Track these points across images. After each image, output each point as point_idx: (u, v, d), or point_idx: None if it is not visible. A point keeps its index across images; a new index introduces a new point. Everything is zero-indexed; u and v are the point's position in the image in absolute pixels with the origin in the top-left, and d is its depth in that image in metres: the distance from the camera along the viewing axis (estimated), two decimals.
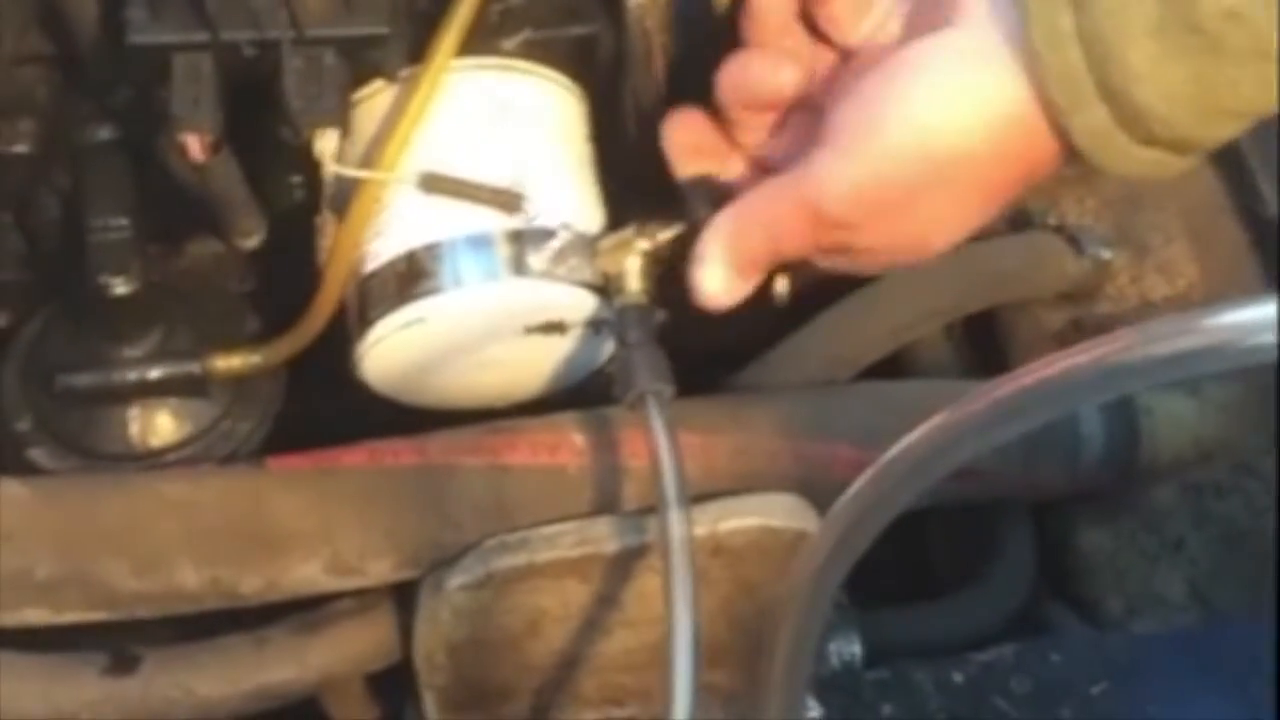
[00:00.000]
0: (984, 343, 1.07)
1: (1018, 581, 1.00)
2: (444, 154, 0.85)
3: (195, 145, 0.80)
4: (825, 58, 0.83)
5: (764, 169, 0.84)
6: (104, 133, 0.90)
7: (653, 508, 0.78)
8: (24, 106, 0.91)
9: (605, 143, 0.91)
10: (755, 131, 0.84)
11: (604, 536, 0.84)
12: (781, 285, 0.89)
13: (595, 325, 0.86)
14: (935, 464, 0.61)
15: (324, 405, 0.93)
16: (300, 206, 0.90)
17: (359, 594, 0.87)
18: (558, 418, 0.88)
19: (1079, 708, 0.85)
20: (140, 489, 0.84)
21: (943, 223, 0.78)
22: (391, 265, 0.84)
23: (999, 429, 0.60)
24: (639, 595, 0.84)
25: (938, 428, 0.61)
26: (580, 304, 0.85)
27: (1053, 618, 1.00)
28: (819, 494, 0.85)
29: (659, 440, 0.78)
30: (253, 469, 0.86)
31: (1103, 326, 1.03)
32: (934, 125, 0.74)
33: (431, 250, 0.84)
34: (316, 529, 0.83)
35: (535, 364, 0.88)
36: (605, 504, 0.85)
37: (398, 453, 0.85)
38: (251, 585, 0.83)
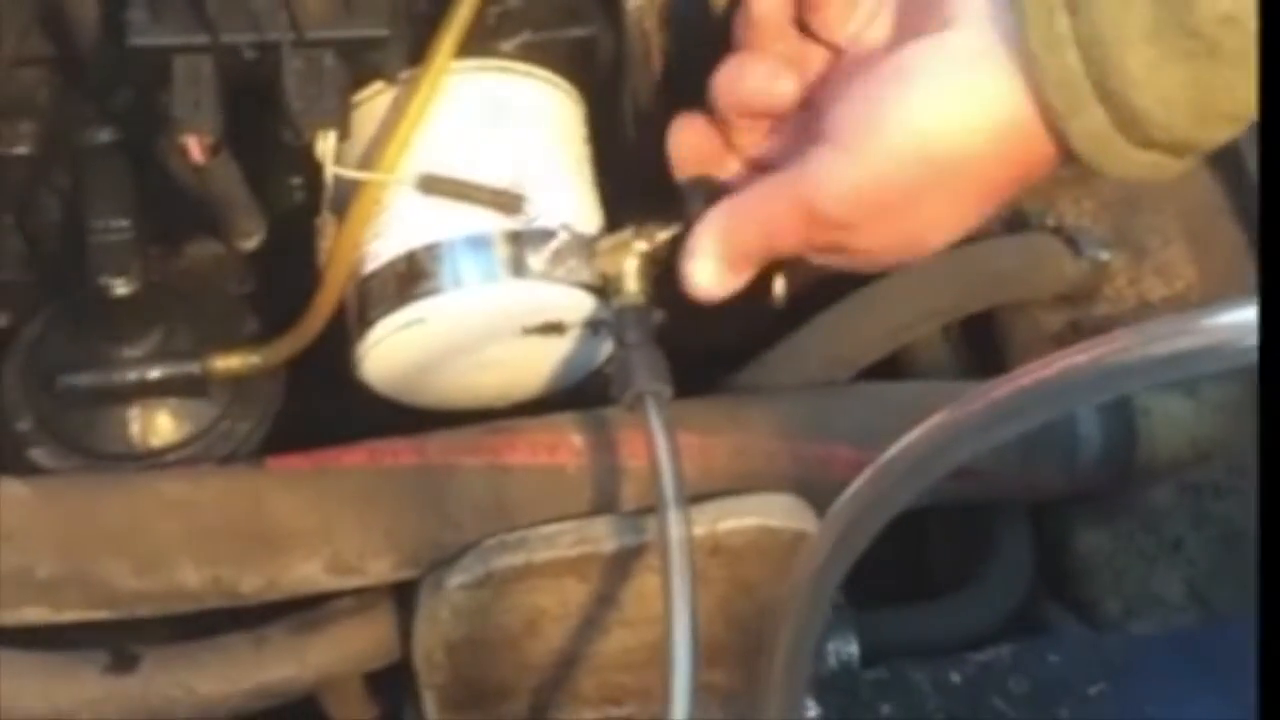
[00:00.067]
0: (982, 344, 1.07)
1: (1015, 582, 1.00)
2: (443, 155, 0.85)
3: (195, 147, 0.80)
4: (817, 56, 0.83)
5: (761, 169, 0.84)
6: (104, 134, 0.90)
7: (651, 508, 0.78)
8: (25, 108, 0.91)
9: (604, 144, 0.91)
10: (751, 133, 0.84)
11: (603, 536, 0.84)
12: (779, 286, 0.90)
13: (594, 326, 0.87)
14: (934, 464, 0.61)
15: (323, 405, 0.93)
16: (300, 208, 0.90)
17: (358, 593, 0.87)
18: (557, 418, 0.88)
19: (1077, 708, 0.85)
20: (141, 488, 0.84)
21: (940, 223, 0.78)
22: (391, 266, 0.84)
23: (997, 429, 0.60)
24: (638, 595, 0.84)
25: (936, 427, 0.61)
26: (579, 305, 0.86)
27: (1050, 618, 1.00)
28: (817, 494, 0.85)
29: (657, 440, 0.78)
30: (253, 469, 0.86)
31: (1101, 328, 1.03)
32: (933, 128, 0.74)
33: (431, 251, 0.84)
34: (316, 528, 0.83)
35: (534, 364, 0.89)
36: (604, 504, 0.86)
37: (397, 453, 0.85)
38: (252, 584, 0.83)
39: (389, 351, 0.86)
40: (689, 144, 0.85)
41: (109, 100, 0.89)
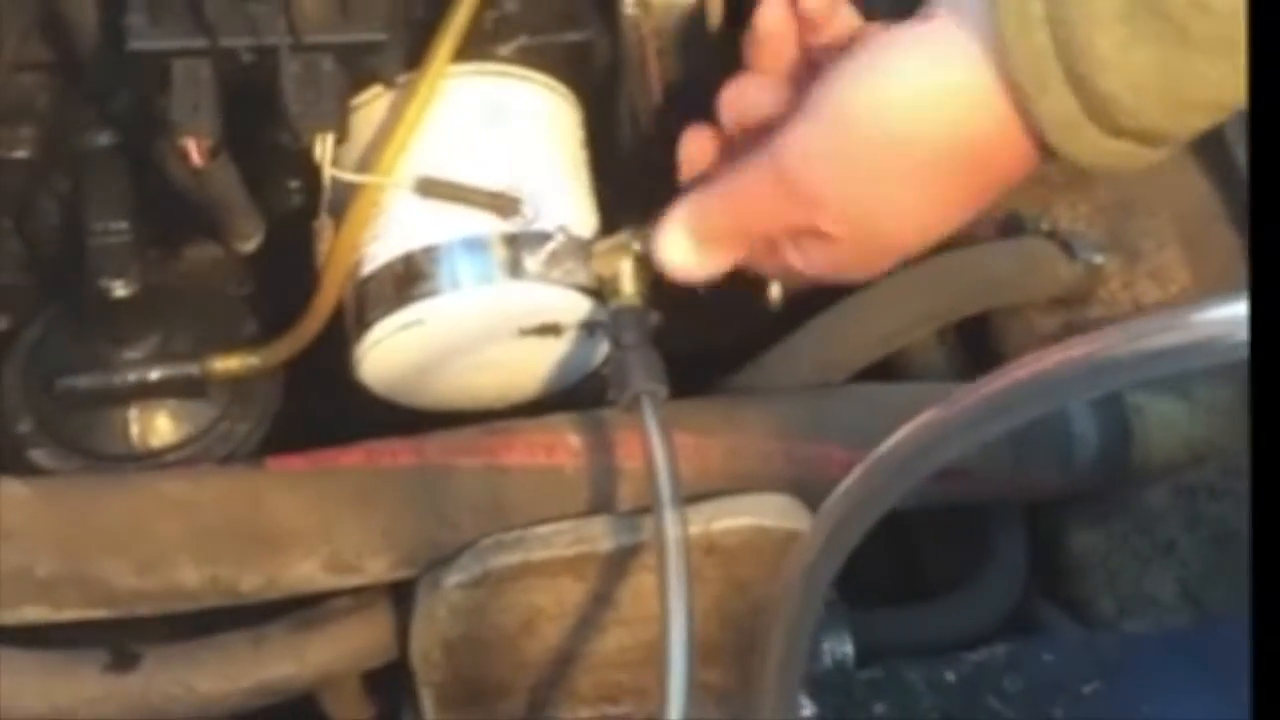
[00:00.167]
0: (977, 347, 1.07)
1: (1010, 582, 1.00)
2: (441, 158, 0.85)
3: (194, 150, 0.81)
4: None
5: None
6: (104, 138, 0.90)
7: (647, 507, 0.78)
8: (24, 112, 0.92)
9: (600, 147, 0.91)
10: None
11: (599, 535, 0.84)
12: (775, 290, 0.90)
13: (590, 327, 0.87)
14: (926, 459, 0.62)
15: (322, 406, 0.93)
16: (298, 210, 0.91)
17: (357, 592, 0.87)
18: (554, 419, 0.88)
19: (1071, 706, 0.86)
20: (141, 488, 0.85)
21: (912, 215, 0.77)
22: (389, 268, 0.85)
23: (988, 425, 0.60)
24: (634, 594, 0.85)
25: (926, 424, 0.61)
26: (575, 306, 0.86)
27: (1045, 618, 1.00)
28: (811, 495, 0.85)
29: (653, 441, 0.78)
30: (252, 469, 0.87)
31: None
32: (900, 104, 0.74)
33: (429, 253, 0.84)
34: (315, 528, 0.84)
35: (531, 366, 0.89)
36: (601, 504, 0.86)
37: (395, 453, 0.86)
38: (251, 583, 0.83)
39: (387, 353, 0.86)
40: (694, 153, 0.85)
41: (108, 104, 0.90)
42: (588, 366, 0.90)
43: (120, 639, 0.85)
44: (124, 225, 0.88)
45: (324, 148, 0.83)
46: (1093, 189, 1.08)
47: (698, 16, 0.91)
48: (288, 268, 0.89)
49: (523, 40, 0.91)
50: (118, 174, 0.89)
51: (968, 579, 1.00)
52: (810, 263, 0.80)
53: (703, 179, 0.83)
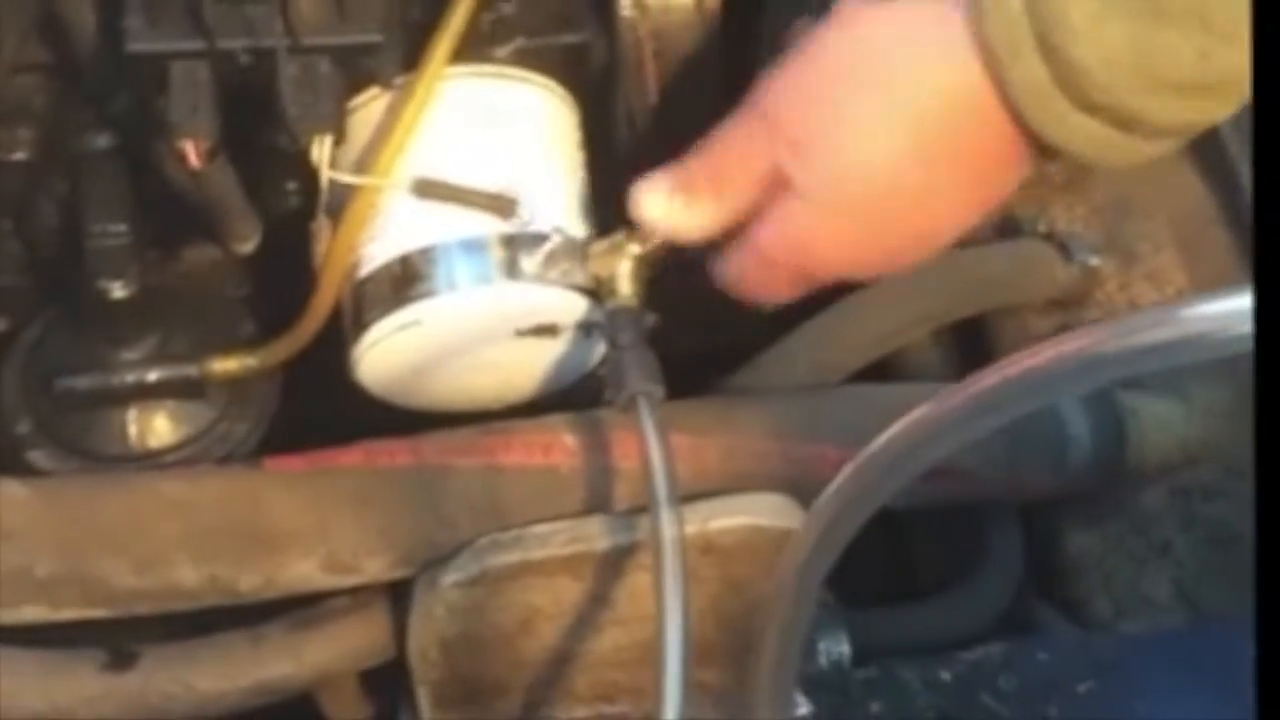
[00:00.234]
0: (972, 348, 1.07)
1: (1005, 583, 1.00)
2: (438, 160, 0.86)
3: (192, 152, 0.81)
4: None
5: None
6: (102, 140, 0.90)
7: (644, 507, 0.79)
8: (23, 114, 0.92)
9: (597, 148, 0.92)
10: None
11: (596, 535, 0.85)
12: None
13: (587, 328, 0.87)
14: (918, 457, 0.62)
15: (320, 407, 0.93)
16: (296, 212, 0.91)
17: (354, 592, 0.87)
18: (550, 419, 0.88)
19: (1066, 706, 0.86)
20: (139, 488, 0.85)
21: (885, 172, 0.76)
22: (386, 269, 0.85)
23: (981, 421, 0.61)
24: (630, 593, 0.85)
25: (919, 421, 0.61)
26: (572, 307, 0.86)
27: (1040, 618, 1.01)
28: (806, 494, 0.84)
29: (650, 441, 0.78)
30: (250, 469, 0.87)
31: None
32: (877, 47, 0.75)
33: (426, 254, 0.85)
34: (313, 528, 0.84)
35: (528, 366, 0.89)
36: (597, 504, 0.86)
37: (393, 453, 0.86)
38: (249, 583, 0.84)
39: (384, 353, 0.86)
40: None
41: (106, 106, 0.90)
42: (584, 367, 0.90)
43: (119, 638, 0.85)
44: (122, 227, 0.88)
45: (321, 149, 0.83)
46: (1089, 191, 1.09)
47: (694, 18, 0.91)
48: (285, 269, 0.89)
49: (520, 42, 0.91)
50: (116, 176, 0.90)
51: (963, 578, 1.00)
52: (780, 235, 0.79)
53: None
